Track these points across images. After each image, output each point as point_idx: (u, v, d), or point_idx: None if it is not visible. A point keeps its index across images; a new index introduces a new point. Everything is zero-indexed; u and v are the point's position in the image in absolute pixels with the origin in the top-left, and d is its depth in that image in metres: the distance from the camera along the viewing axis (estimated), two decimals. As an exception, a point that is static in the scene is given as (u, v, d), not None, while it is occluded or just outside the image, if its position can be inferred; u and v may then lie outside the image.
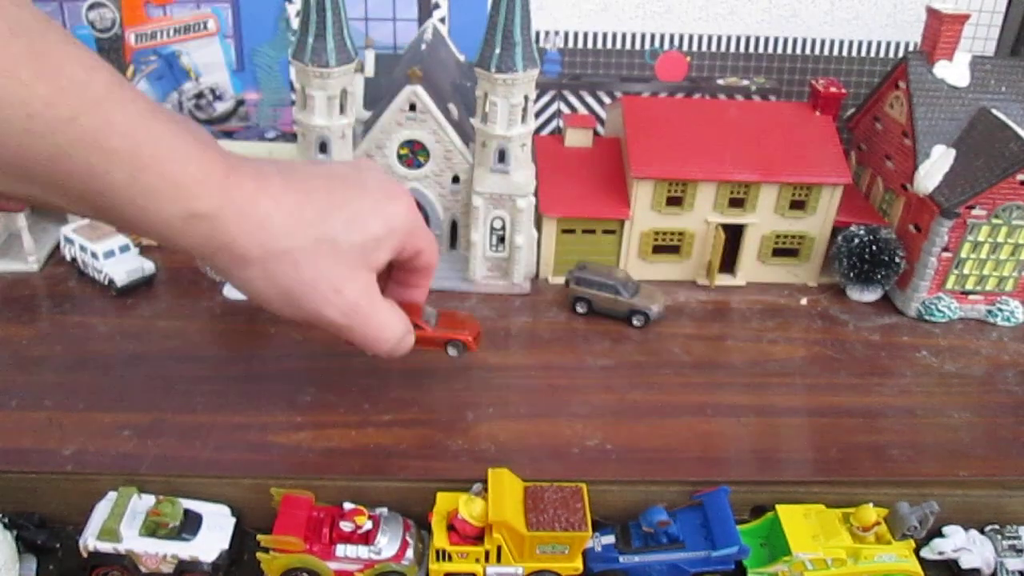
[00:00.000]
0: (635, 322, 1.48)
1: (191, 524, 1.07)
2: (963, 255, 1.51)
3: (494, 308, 1.52)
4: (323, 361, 1.33)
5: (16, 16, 0.68)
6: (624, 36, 1.94)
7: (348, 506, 1.08)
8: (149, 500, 1.08)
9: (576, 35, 1.94)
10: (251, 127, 1.99)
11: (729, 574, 1.08)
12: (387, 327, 1.06)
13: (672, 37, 1.95)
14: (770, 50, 1.97)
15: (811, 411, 1.30)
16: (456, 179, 1.53)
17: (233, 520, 1.10)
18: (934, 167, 1.51)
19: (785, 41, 1.96)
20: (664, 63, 1.97)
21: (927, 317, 1.55)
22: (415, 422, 1.22)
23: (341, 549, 1.05)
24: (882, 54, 1.97)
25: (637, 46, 1.96)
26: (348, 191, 1.00)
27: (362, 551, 1.05)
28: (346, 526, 1.05)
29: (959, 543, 1.15)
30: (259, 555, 1.05)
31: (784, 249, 1.63)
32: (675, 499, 1.14)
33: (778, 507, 1.12)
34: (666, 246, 1.62)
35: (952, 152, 1.51)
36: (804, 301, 1.61)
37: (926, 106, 1.55)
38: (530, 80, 1.41)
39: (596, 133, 1.73)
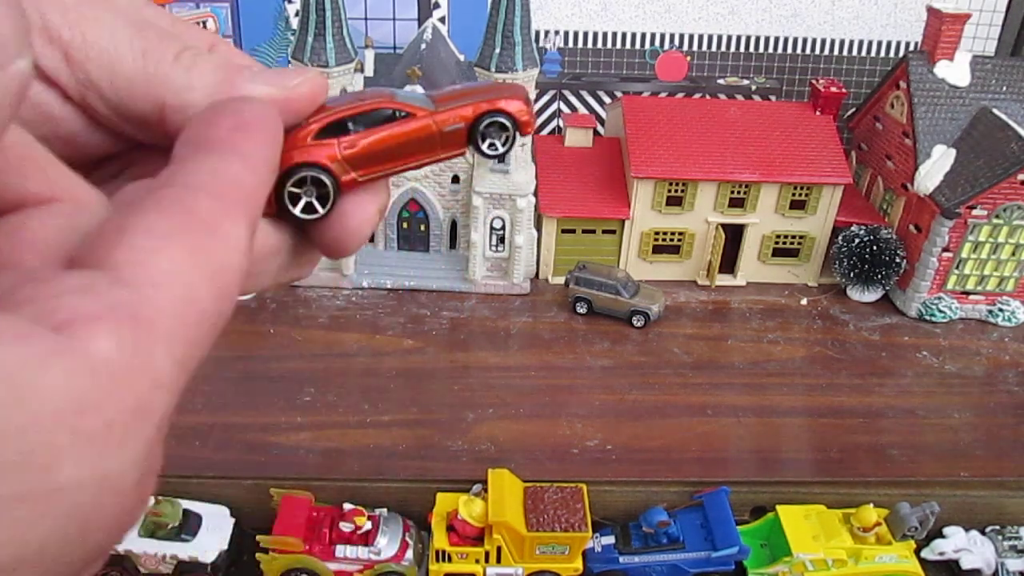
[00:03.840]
0: (635, 322, 1.48)
1: (190, 524, 1.06)
2: (964, 255, 1.51)
3: (494, 308, 1.52)
4: (323, 361, 1.33)
5: None
6: (624, 36, 1.94)
7: (348, 507, 1.07)
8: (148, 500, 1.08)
9: (576, 35, 1.94)
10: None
11: (729, 574, 1.08)
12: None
13: (672, 37, 1.95)
14: (771, 50, 1.97)
15: (811, 411, 1.29)
16: (456, 179, 1.52)
17: (232, 521, 1.10)
18: (935, 167, 1.51)
19: (786, 41, 1.96)
20: (664, 63, 1.97)
21: (928, 317, 1.55)
22: (415, 422, 1.22)
23: (341, 550, 1.04)
24: (882, 54, 1.97)
25: (637, 46, 1.95)
26: None
27: (362, 552, 1.04)
28: (346, 527, 1.05)
29: (960, 544, 1.15)
30: (259, 556, 1.05)
31: (784, 249, 1.63)
32: (675, 499, 1.14)
33: (779, 508, 1.11)
34: (666, 246, 1.62)
35: (953, 152, 1.51)
36: (804, 301, 1.61)
37: (927, 106, 1.55)
38: (530, 80, 1.41)
39: (596, 133, 1.73)
